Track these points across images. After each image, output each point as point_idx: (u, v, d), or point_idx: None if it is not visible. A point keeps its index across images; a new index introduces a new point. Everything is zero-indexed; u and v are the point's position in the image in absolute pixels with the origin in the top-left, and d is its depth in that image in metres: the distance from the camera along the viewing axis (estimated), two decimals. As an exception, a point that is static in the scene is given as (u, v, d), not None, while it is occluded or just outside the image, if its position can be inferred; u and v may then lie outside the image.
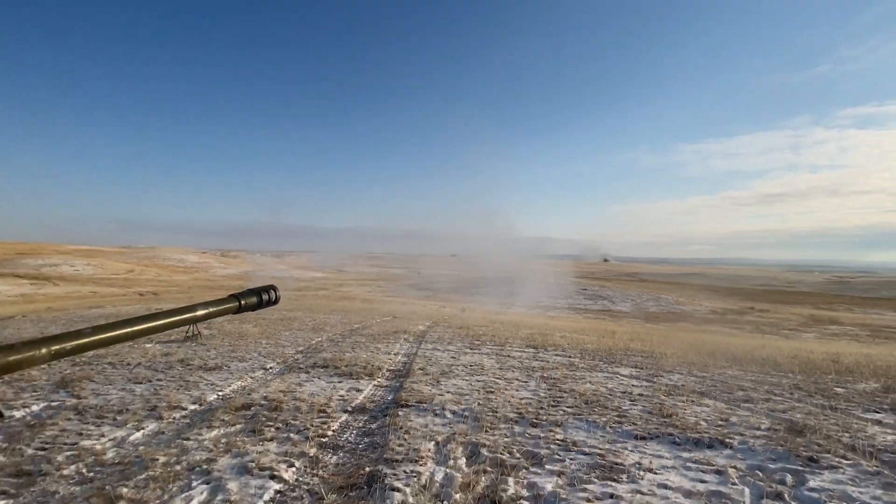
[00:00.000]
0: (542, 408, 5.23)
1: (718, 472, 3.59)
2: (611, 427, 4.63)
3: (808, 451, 4.01)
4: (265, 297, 3.40)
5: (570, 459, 3.81)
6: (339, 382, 6.33)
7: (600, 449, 4.03)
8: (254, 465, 3.63)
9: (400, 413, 4.95)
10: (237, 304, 3.24)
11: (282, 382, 6.21)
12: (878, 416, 5.24)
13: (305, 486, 3.35)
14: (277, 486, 3.33)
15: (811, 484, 3.39)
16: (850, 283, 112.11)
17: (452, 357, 8.41)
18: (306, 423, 4.58)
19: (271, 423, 4.57)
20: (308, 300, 28.42)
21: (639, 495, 3.20)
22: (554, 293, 62.02)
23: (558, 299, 57.11)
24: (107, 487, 3.25)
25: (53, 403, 5.15)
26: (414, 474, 3.47)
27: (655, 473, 3.57)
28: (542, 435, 4.37)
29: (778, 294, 75.47)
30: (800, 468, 3.66)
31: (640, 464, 3.73)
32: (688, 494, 3.22)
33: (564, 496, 3.16)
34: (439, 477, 3.45)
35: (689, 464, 3.78)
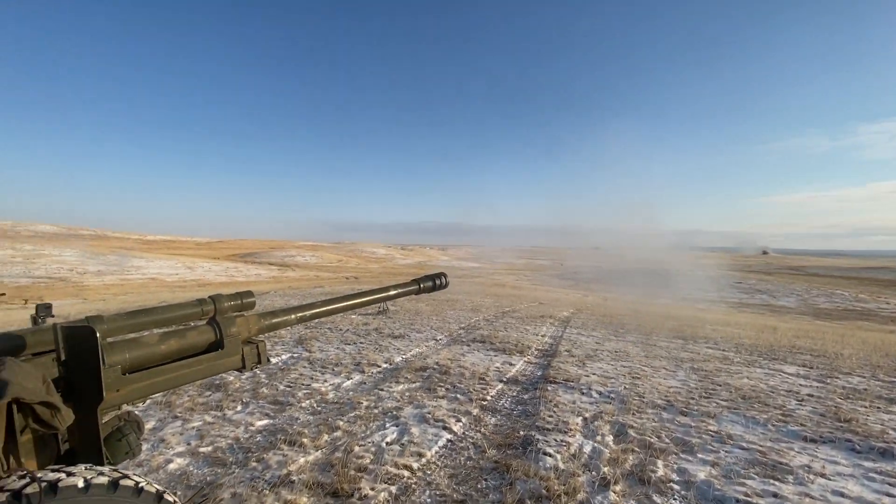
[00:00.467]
0: (692, 398, 4.64)
1: (918, 492, 2.77)
2: (773, 425, 3.89)
3: None
4: (438, 282, 3.65)
5: (726, 452, 3.31)
6: (495, 356, 6.46)
7: (760, 446, 3.42)
8: (430, 416, 3.93)
9: (549, 388, 4.86)
10: (417, 287, 3.53)
11: (449, 352, 6.59)
12: None
13: (470, 439, 3.52)
14: (449, 436, 3.55)
15: None
16: None
17: (597, 342, 7.95)
18: (469, 388, 4.79)
19: (442, 384, 4.89)
20: (466, 286, 29.58)
21: (808, 499, 2.64)
22: (704, 286, 54.16)
23: (709, 292, 49.68)
24: (329, 419, 3.85)
25: (294, 355, 6.25)
26: (563, 444, 3.39)
27: (829, 479, 2.91)
28: (692, 424, 3.88)
29: None
30: None
31: (809, 467, 3.07)
32: (874, 509, 2.56)
33: (719, 487, 2.76)
34: (587, 449, 3.31)
35: (872, 474, 2.99)
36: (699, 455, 3.24)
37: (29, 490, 1.06)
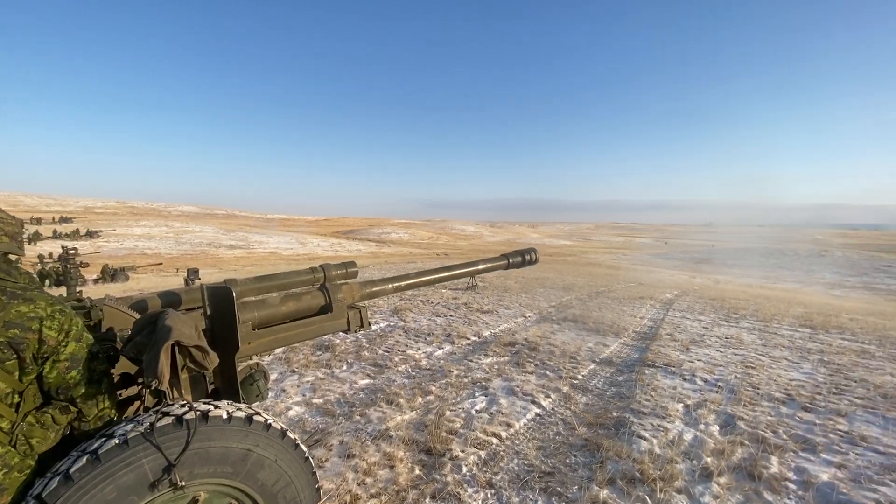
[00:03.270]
0: (819, 393, 4.06)
1: None
2: (929, 433, 3.27)
3: None
4: (528, 257, 3.62)
5: (856, 454, 2.87)
6: (588, 336, 6.26)
7: (909, 454, 2.90)
8: (518, 389, 3.97)
9: (646, 371, 4.60)
10: (506, 262, 3.54)
11: (538, 329, 6.53)
12: None
13: (559, 416, 3.50)
14: (537, 410, 3.57)
15: None
16: None
17: (704, 327, 7.26)
18: (559, 365, 4.72)
19: (531, 360, 4.89)
20: (558, 264, 28.73)
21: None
22: (842, 269, 46.06)
23: (847, 276, 42.09)
24: (422, 384, 4.09)
25: (391, 324, 6.68)
26: (661, 429, 3.21)
27: None
28: (817, 422, 3.41)
29: None
30: None
31: (977, 486, 2.54)
32: None
33: (845, 490, 2.42)
34: (688, 437, 3.10)
35: None
36: (823, 455, 2.86)
37: (188, 416, 1.32)
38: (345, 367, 4.58)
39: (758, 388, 4.14)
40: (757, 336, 6.67)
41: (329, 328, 2.30)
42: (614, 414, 3.50)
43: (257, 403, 2.33)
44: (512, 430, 3.20)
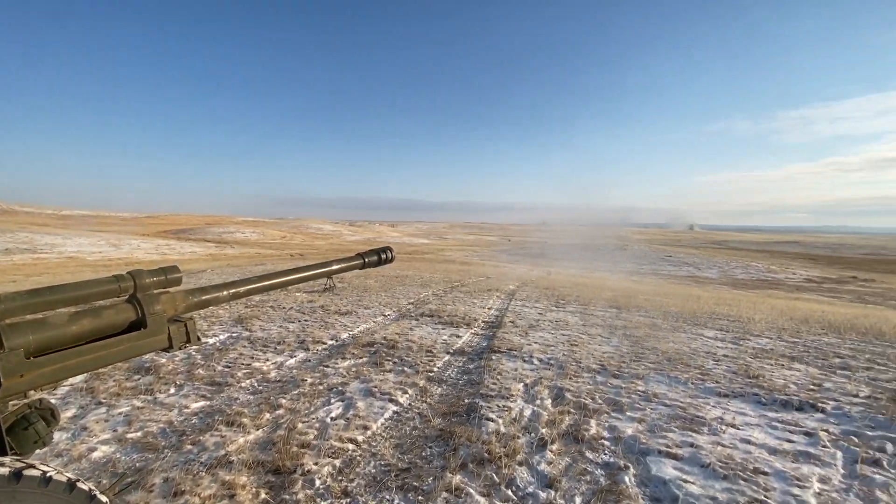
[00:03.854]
0: (623, 362, 4.99)
1: (808, 434, 3.18)
2: (693, 383, 4.29)
3: (915, 422, 3.39)
4: (383, 256, 3.59)
5: (651, 409, 3.60)
6: (443, 329, 6.56)
7: (681, 402, 3.76)
8: (377, 390, 3.94)
9: (493, 357, 5.03)
10: (362, 261, 3.45)
11: (397, 327, 6.60)
12: None
13: (416, 410, 3.58)
14: (395, 408, 3.58)
15: (918, 455, 2.87)
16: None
17: (539, 313, 8.29)
18: (416, 361, 4.84)
19: (389, 358, 4.90)
20: (416, 262, 29.63)
21: (720, 447, 2.95)
22: (638, 259, 57.92)
23: (642, 265, 53.24)
24: (271, 398, 3.75)
25: (233, 334, 5.98)
26: (505, 409, 3.53)
27: (738, 429, 3.26)
28: (623, 385, 4.18)
29: (887, 263, 63.03)
30: (904, 438, 3.11)
31: (722, 419, 3.43)
32: (773, 451, 2.90)
33: (644, 441, 3.01)
34: (528, 413, 3.48)
35: (775, 423, 3.39)
36: (628, 413, 3.51)
37: None
38: (172, 391, 3.92)
39: (580, 362, 4.89)
40: (579, 318, 7.88)
41: (144, 347, 1.91)
42: (466, 401, 3.73)
43: (44, 452, 1.82)
44: (369, 433, 3.15)
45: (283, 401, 3.67)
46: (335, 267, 3.21)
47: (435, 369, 4.62)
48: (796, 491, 2.45)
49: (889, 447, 2.96)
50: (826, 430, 3.23)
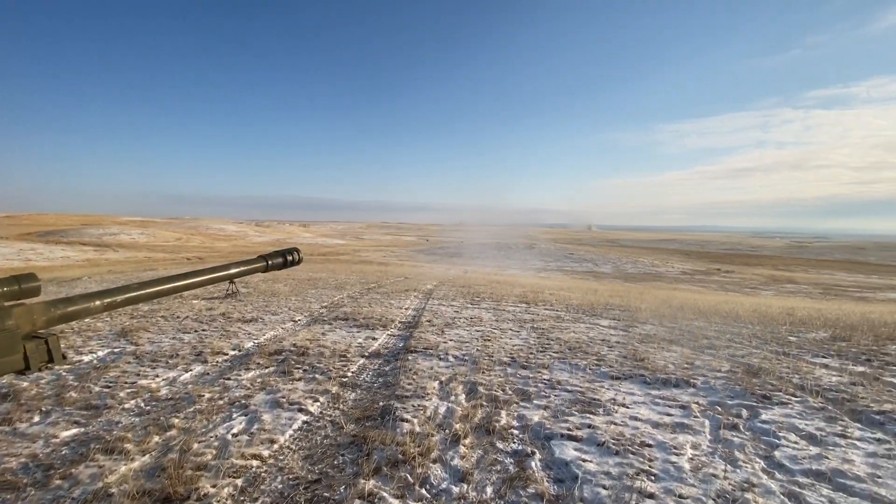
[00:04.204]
0: (531, 353, 5.28)
1: (683, 407, 3.63)
2: (590, 369, 4.68)
3: (762, 389, 4.04)
4: (289, 257, 3.39)
5: (555, 396, 3.86)
6: (358, 332, 6.41)
7: (581, 387, 4.08)
8: (284, 400, 3.71)
9: (409, 357, 5.02)
10: (265, 263, 3.22)
11: (308, 332, 6.30)
12: (825, 360, 5.25)
13: (328, 418, 3.43)
14: (304, 418, 3.41)
15: (763, 417, 3.42)
16: (807, 247, 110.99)
17: (455, 311, 8.47)
18: (329, 366, 4.66)
19: (299, 366, 4.66)
20: (331, 264, 28.61)
21: (613, 426, 3.24)
22: (545, 257, 62.01)
23: (549, 262, 57.09)
24: (161, 418, 3.35)
25: (115, 350, 5.26)
26: (421, 408, 3.54)
27: (628, 408, 3.62)
28: (531, 376, 4.42)
29: (742, 257, 75.04)
30: (754, 404, 3.69)
31: (614, 399, 3.78)
32: (655, 425, 3.27)
33: (549, 426, 3.21)
34: (442, 410, 3.52)
35: (657, 400, 3.82)
36: (535, 401, 3.72)
37: None
38: (37, 419, 3.32)
39: (492, 356, 5.08)
40: (492, 314, 8.20)
41: None
42: (381, 403, 3.67)
43: None
44: (276, 447, 2.95)
45: (176, 420, 3.30)
46: (234, 270, 2.95)
47: (349, 374, 4.48)
48: (674, 458, 2.78)
49: (744, 412, 3.50)
50: (697, 402, 3.72)
